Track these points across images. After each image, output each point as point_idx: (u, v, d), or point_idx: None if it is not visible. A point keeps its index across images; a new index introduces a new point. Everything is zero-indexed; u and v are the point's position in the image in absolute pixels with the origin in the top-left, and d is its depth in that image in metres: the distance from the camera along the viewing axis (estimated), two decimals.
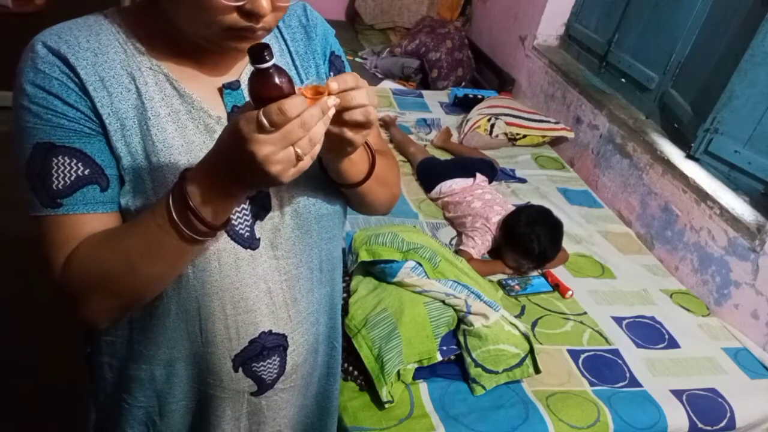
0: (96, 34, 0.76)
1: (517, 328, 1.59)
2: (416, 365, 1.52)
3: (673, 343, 1.87)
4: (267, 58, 0.61)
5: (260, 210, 0.83)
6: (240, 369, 0.89)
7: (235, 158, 0.64)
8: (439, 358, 1.54)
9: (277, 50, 0.87)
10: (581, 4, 3.15)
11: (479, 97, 3.19)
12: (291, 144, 0.63)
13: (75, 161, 0.74)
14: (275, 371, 0.92)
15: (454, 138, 2.85)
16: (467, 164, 2.44)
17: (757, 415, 1.70)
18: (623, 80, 2.82)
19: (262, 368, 0.91)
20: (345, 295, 1.67)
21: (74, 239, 0.76)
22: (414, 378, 1.53)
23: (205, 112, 0.79)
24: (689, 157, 2.32)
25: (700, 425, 1.61)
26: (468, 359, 1.54)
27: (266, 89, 0.61)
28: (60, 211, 0.75)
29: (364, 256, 1.66)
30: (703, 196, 2.16)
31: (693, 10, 2.40)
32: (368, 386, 1.48)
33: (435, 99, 3.29)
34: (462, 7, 4.22)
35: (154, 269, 0.75)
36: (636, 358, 1.77)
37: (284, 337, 0.91)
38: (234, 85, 0.82)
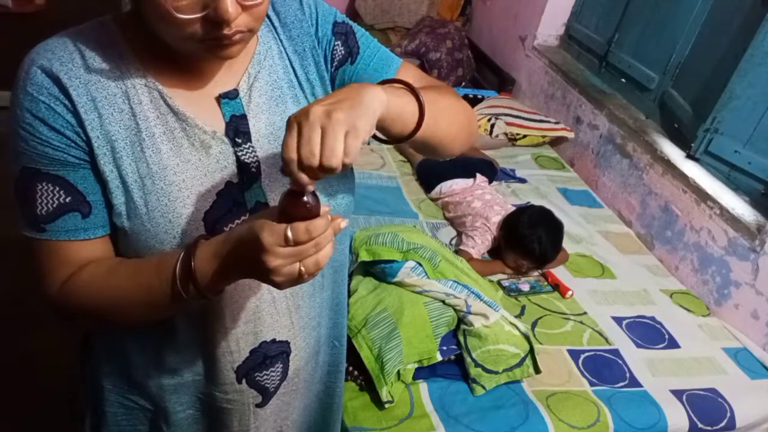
0: (92, 48, 0.74)
1: (517, 328, 1.58)
2: (416, 365, 1.52)
3: (673, 343, 1.87)
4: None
5: None
6: (243, 380, 0.90)
7: (246, 259, 0.66)
8: (439, 358, 1.54)
9: (277, 53, 0.85)
10: (581, 4, 3.15)
11: (479, 97, 3.19)
12: (300, 260, 0.65)
13: (57, 188, 0.74)
14: (278, 378, 0.93)
15: None
16: (467, 164, 2.44)
17: (757, 415, 1.70)
18: (623, 80, 2.81)
19: (265, 377, 0.91)
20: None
21: (62, 264, 0.78)
22: (414, 378, 1.53)
23: (201, 128, 0.77)
24: (689, 157, 2.32)
25: (700, 425, 1.61)
26: (468, 359, 1.54)
27: (298, 210, 0.65)
28: (44, 235, 0.76)
29: (364, 256, 1.66)
30: (703, 196, 2.16)
31: (693, 10, 2.39)
32: (368, 386, 1.48)
33: None
34: (462, 7, 4.22)
35: (148, 314, 0.79)
36: (636, 358, 1.77)
37: (287, 343, 0.91)
38: (232, 95, 0.80)
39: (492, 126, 2.79)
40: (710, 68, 2.27)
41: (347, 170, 0.86)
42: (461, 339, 1.58)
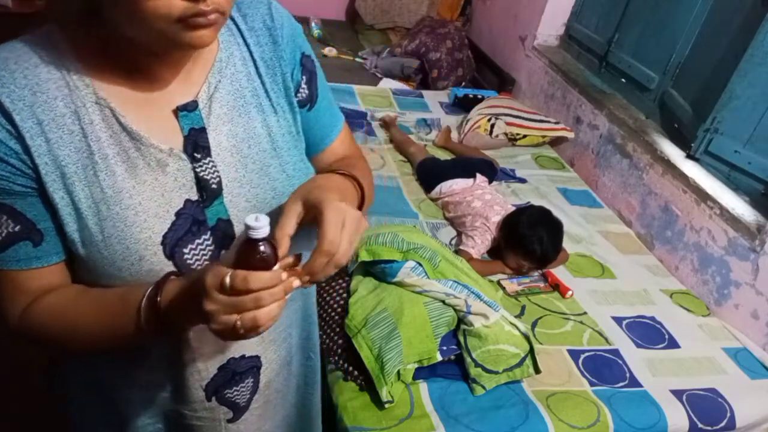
0: (35, 65, 0.69)
1: (517, 328, 1.58)
2: (416, 365, 1.52)
3: (673, 343, 1.87)
4: (260, 232, 0.63)
5: (224, 239, 0.79)
6: (213, 398, 0.88)
7: (195, 299, 0.65)
8: (439, 358, 1.54)
9: (240, 59, 0.81)
10: (581, 4, 3.15)
11: (479, 97, 3.19)
12: (237, 312, 0.62)
13: (5, 218, 0.71)
14: (248, 392, 0.91)
15: (454, 137, 2.85)
16: (467, 164, 2.44)
17: (757, 415, 1.70)
18: (623, 80, 2.81)
19: (235, 393, 0.89)
20: (345, 295, 1.67)
21: (19, 292, 0.76)
22: (414, 378, 1.52)
23: (156, 147, 0.73)
24: (689, 157, 2.32)
25: (700, 425, 1.61)
26: (468, 359, 1.54)
27: (249, 259, 0.63)
28: None
29: (364, 256, 1.66)
30: (703, 196, 2.16)
31: (693, 10, 2.39)
32: (368, 386, 1.48)
33: (435, 99, 3.29)
34: (462, 7, 4.22)
35: (113, 345, 0.77)
36: (636, 358, 1.77)
37: (257, 358, 0.89)
38: (190, 107, 0.76)
39: (492, 126, 2.79)
40: (710, 68, 2.27)
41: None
42: (461, 339, 1.58)
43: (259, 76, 0.82)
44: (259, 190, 0.81)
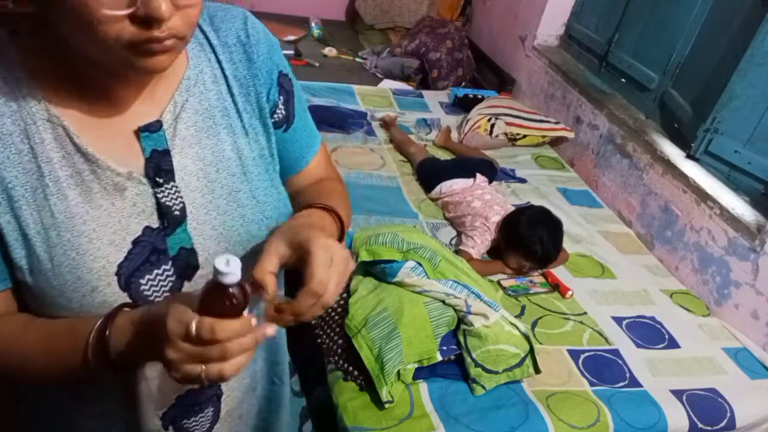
0: None
1: (517, 328, 1.58)
2: (416, 365, 1.52)
3: (673, 343, 1.87)
4: (231, 277, 0.58)
5: (187, 269, 0.75)
6: (170, 427, 0.83)
7: (153, 341, 0.61)
8: (439, 358, 1.54)
9: (210, 76, 0.76)
10: (581, 4, 3.15)
11: (479, 97, 3.19)
12: (202, 362, 0.59)
13: None
14: (208, 422, 0.87)
15: (454, 137, 2.85)
16: (467, 164, 2.44)
17: (757, 415, 1.70)
18: (623, 80, 2.82)
19: (194, 423, 0.85)
20: (345, 295, 1.67)
21: None
22: (414, 378, 1.52)
23: (113, 170, 0.68)
24: (689, 157, 2.32)
25: (700, 425, 1.61)
26: (468, 359, 1.54)
27: (216, 304, 0.59)
28: None
29: (364, 256, 1.66)
30: (703, 196, 2.16)
31: (693, 10, 2.40)
32: (368, 386, 1.48)
33: (435, 99, 3.29)
34: (462, 7, 4.22)
35: (61, 379, 0.73)
36: (636, 358, 1.77)
37: (218, 386, 0.85)
38: (153, 127, 0.71)
39: (492, 126, 2.79)
40: (710, 68, 2.27)
41: None
42: (461, 339, 1.58)
43: (231, 95, 0.77)
44: (226, 217, 0.76)
